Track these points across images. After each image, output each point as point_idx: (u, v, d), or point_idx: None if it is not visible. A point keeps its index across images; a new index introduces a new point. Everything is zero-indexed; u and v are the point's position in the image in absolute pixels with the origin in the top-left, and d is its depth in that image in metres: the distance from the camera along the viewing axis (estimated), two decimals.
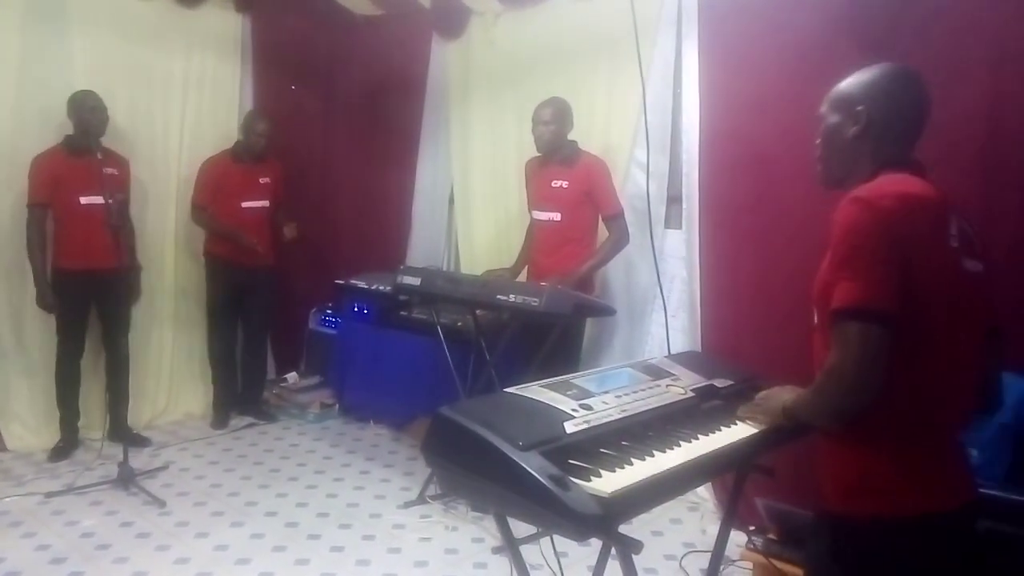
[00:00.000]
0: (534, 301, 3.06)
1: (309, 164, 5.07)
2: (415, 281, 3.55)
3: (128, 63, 4.29)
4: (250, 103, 4.77)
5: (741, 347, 3.19)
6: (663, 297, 3.42)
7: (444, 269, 4.61)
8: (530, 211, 3.85)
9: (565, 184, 3.61)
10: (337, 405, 4.73)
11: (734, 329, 3.35)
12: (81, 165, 3.75)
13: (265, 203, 4.42)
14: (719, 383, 2.08)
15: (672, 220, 3.87)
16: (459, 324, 3.89)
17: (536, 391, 1.87)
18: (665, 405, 1.92)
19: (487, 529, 3.30)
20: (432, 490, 3.55)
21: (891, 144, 1.56)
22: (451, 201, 4.89)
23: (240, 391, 4.65)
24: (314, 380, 4.87)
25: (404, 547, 3.16)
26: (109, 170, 3.74)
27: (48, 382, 4.00)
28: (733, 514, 2.27)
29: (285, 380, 4.87)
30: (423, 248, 4.98)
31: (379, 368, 4.38)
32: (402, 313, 4.31)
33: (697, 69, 3.51)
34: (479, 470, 1.65)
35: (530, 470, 1.53)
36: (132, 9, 4.28)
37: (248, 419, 4.57)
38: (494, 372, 3.42)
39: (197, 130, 4.58)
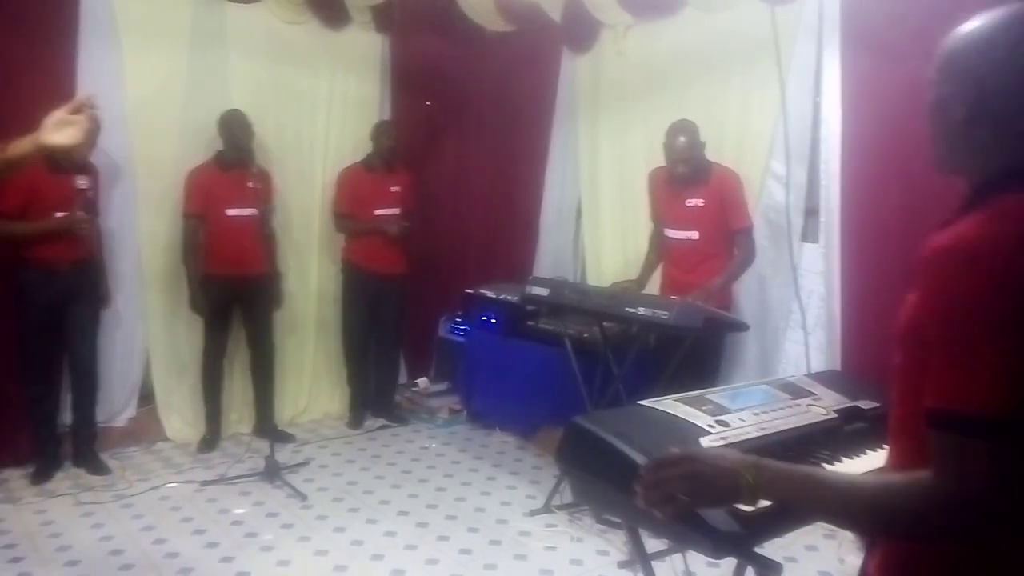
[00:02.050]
0: (664, 314, 3.04)
1: (441, 176, 5.24)
2: (543, 292, 3.60)
3: (278, 83, 4.59)
4: (388, 118, 4.99)
5: (885, 368, 3.03)
6: (803, 313, 3.30)
7: (571, 280, 4.65)
8: (660, 226, 3.81)
9: (701, 203, 3.56)
10: (465, 411, 4.85)
11: (877, 349, 3.18)
12: (229, 179, 4.04)
13: (396, 211, 4.60)
14: (864, 405, 1.99)
15: (809, 233, 3.74)
16: (585, 336, 3.90)
17: (670, 405, 1.86)
18: (806, 425, 1.86)
19: (612, 542, 3.30)
20: (558, 499, 3.58)
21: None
22: (578, 213, 4.93)
23: (373, 394, 4.85)
24: (443, 386, 5.02)
25: (530, 554, 3.20)
26: (254, 183, 4.02)
27: (199, 378, 4.33)
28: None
29: (416, 385, 5.04)
30: (550, 259, 5.03)
31: (505, 376, 4.46)
32: (529, 323, 4.37)
33: (839, 77, 3.38)
34: (612, 481, 1.66)
35: None
36: (283, 33, 4.58)
37: (381, 421, 4.77)
38: (621, 385, 3.42)
39: (339, 145, 4.83)
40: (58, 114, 1.85)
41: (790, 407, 1.93)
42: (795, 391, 2.04)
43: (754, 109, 3.83)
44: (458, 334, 5.05)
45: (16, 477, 3.73)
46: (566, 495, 3.57)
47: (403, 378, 5.14)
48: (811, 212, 3.73)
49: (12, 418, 3.75)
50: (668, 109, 4.10)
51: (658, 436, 1.70)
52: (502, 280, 4.79)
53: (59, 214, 3.56)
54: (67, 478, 3.76)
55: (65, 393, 3.87)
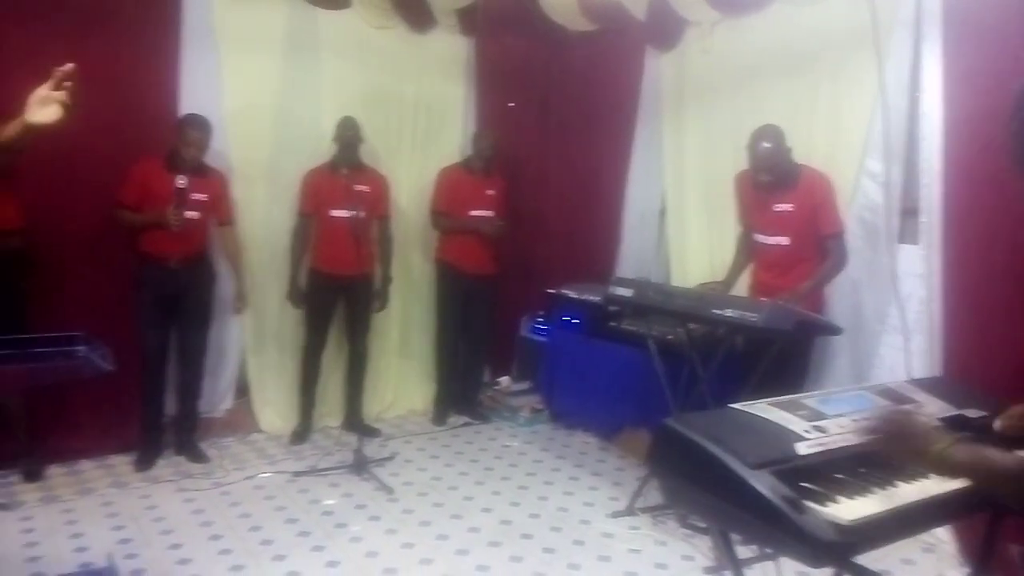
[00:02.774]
0: (753, 317, 2.98)
1: (525, 176, 5.27)
2: (627, 292, 3.58)
3: (367, 87, 4.70)
4: (473, 120, 5.06)
5: (991, 375, 2.89)
6: (903, 317, 3.17)
7: (654, 281, 4.60)
8: (748, 230, 3.74)
9: (790, 208, 3.47)
10: (546, 411, 4.87)
11: (983, 355, 3.04)
12: (337, 181, 4.18)
13: (490, 213, 4.66)
14: (971, 413, 1.91)
15: (907, 235, 3.59)
16: (670, 337, 3.86)
17: (764, 409, 1.83)
18: None
19: (697, 548, 3.26)
20: (642, 502, 3.56)
21: None
22: (662, 213, 4.88)
23: (458, 392, 4.92)
24: (524, 385, 5.05)
25: (614, 556, 3.20)
26: (361, 187, 4.13)
27: (294, 373, 4.49)
28: (987, 561, 2.06)
29: (498, 383, 5.10)
30: (632, 259, 5.00)
31: (587, 377, 4.46)
32: (611, 324, 4.36)
33: (940, 70, 3.24)
34: (704, 484, 1.65)
35: (761, 489, 1.51)
36: (372, 38, 4.69)
37: (464, 418, 4.84)
38: (706, 388, 3.37)
39: (425, 147, 4.93)
40: (41, 91, 1.79)
41: None
42: (896, 397, 1.98)
43: (846, 106, 3.71)
44: (540, 334, 5.07)
45: (123, 463, 3.95)
46: (650, 497, 3.56)
47: (485, 377, 5.20)
48: (908, 212, 3.59)
49: (120, 406, 3.96)
50: (756, 107, 4.02)
51: (752, 440, 1.68)
52: (584, 280, 4.79)
53: (171, 210, 3.73)
54: (169, 465, 3.96)
55: (170, 384, 4.07)
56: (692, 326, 3.52)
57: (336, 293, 4.36)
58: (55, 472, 3.80)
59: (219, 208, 4.01)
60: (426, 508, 3.60)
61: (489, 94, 5.14)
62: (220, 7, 4.16)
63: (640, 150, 4.94)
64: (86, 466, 3.90)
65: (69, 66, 1.75)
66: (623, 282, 3.70)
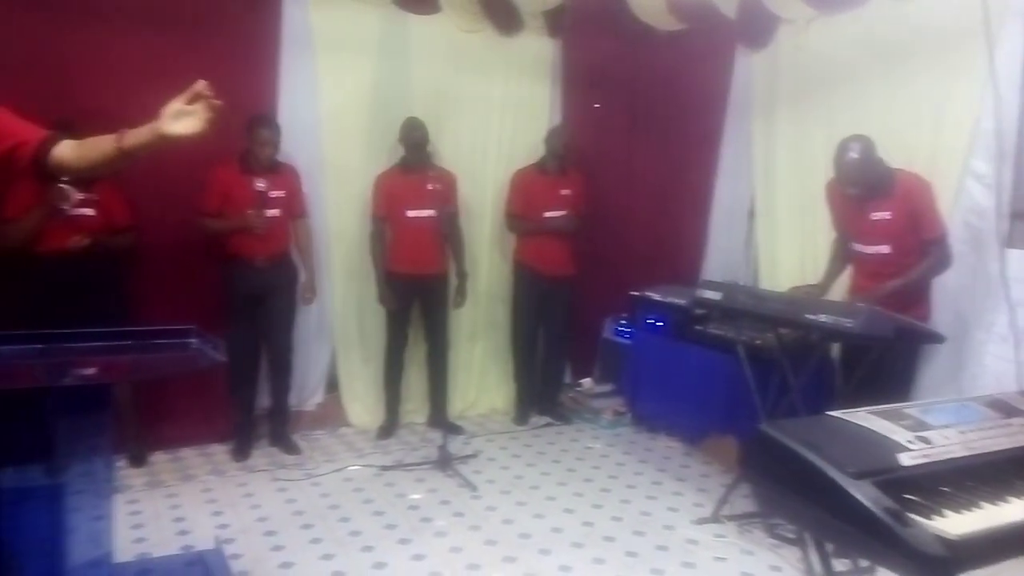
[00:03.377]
0: (848, 322, 2.88)
1: (609, 177, 5.25)
2: (716, 295, 3.52)
3: (455, 90, 4.78)
4: (558, 121, 5.06)
5: None
6: (1014, 325, 3.01)
7: (742, 284, 4.51)
8: (843, 237, 3.61)
9: (888, 215, 3.32)
10: (629, 414, 4.84)
11: None
12: (409, 182, 4.26)
13: (564, 213, 4.66)
14: None
15: (1016, 239, 3.41)
16: (759, 342, 3.77)
17: (864, 417, 1.78)
18: (1021, 447, 1.71)
19: (785, 559, 3.17)
20: (728, 509, 3.49)
21: None
22: (751, 214, 4.77)
23: (539, 392, 4.95)
24: (607, 387, 5.02)
25: (698, 563, 3.15)
26: (433, 186, 4.20)
27: (380, 370, 4.60)
28: None
29: (580, 385, 5.09)
30: (719, 262, 4.91)
31: (672, 381, 4.41)
32: (698, 327, 4.29)
33: None
34: (800, 492, 1.61)
35: (862, 499, 1.47)
36: (461, 41, 4.76)
37: (546, 419, 4.86)
38: (797, 395, 3.28)
39: (511, 148, 4.96)
40: (175, 104, 1.83)
41: (1001, 426, 1.79)
42: (1006, 409, 1.88)
43: (950, 103, 3.54)
44: (623, 336, 5.04)
45: (221, 452, 4.14)
46: (737, 505, 3.49)
47: (567, 378, 5.20)
48: (1018, 215, 3.40)
49: (217, 400, 4.15)
50: (852, 106, 3.89)
51: (851, 449, 1.63)
52: (668, 283, 4.74)
53: (249, 212, 3.87)
54: (264, 455, 4.12)
55: (263, 379, 4.24)
56: (783, 331, 3.43)
57: (413, 292, 4.44)
58: (159, 458, 4.01)
59: (293, 202, 4.14)
60: (509, 506, 3.63)
61: (574, 95, 5.14)
62: (317, 14, 4.31)
63: (729, 150, 4.85)
64: (187, 454, 4.11)
65: (201, 83, 1.83)
66: (711, 285, 3.64)
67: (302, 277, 4.23)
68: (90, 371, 1.58)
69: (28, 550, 1.40)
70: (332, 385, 4.69)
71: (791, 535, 3.25)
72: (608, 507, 3.66)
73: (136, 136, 1.88)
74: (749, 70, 4.68)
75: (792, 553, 3.18)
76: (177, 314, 2.94)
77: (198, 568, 2.70)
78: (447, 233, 4.21)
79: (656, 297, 4.62)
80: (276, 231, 4.00)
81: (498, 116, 4.95)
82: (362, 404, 4.66)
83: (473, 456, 4.22)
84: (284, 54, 4.26)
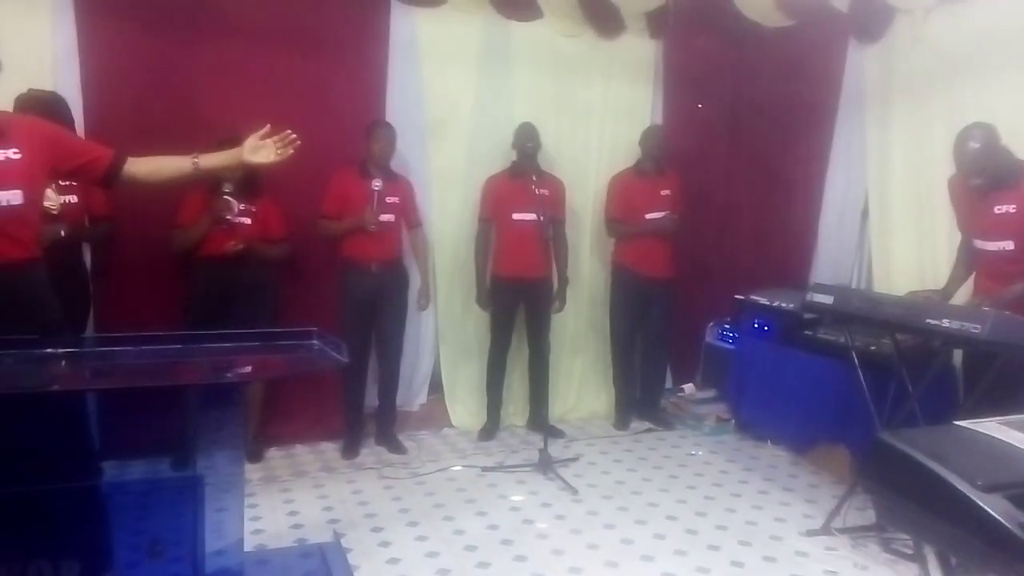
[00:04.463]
0: (975, 328, 2.71)
1: (713, 179, 5.16)
2: (827, 299, 3.39)
3: (556, 95, 4.80)
4: (659, 122, 5.01)
5: None
6: None
7: (854, 288, 4.33)
8: (968, 236, 3.42)
9: (1012, 209, 3.13)
10: (733, 421, 4.72)
11: None
12: (518, 186, 4.31)
13: (665, 214, 4.60)
14: None
15: None
16: (873, 348, 3.62)
17: (995, 428, 1.69)
18: None
19: (901, 574, 3.02)
20: (840, 522, 3.36)
21: None
22: (864, 215, 4.57)
23: (639, 397, 4.90)
24: (710, 393, 4.92)
25: None
26: (542, 191, 4.24)
27: (482, 372, 4.67)
28: None
29: (682, 391, 5.00)
30: (830, 265, 4.73)
31: (779, 388, 4.27)
32: (807, 332, 4.14)
33: None
34: (924, 504, 1.55)
35: (994, 513, 1.40)
36: (562, 47, 4.79)
37: (647, 424, 4.81)
38: (917, 404, 3.13)
39: (612, 151, 4.94)
40: (252, 140, 2.37)
41: None
42: None
43: None
44: (727, 341, 4.92)
45: (331, 450, 4.30)
46: (849, 518, 3.35)
47: (668, 383, 5.13)
48: None
49: (328, 399, 4.32)
50: (975, 100, 3.68)
51: (981, 461, 1.55)
52: (774, 286, 4.61)
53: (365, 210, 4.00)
54: (371, 454, 4.26)
55: (371, 379, 4.38)
56: (901, 337, 3.28)
57: (518, 296, 4.48)
58: (274, 455, 4.21)
59: (408, 211, 4.26)
60: (610, 511, 3.61)
61: (677, 96, 5.07)
62: (423, 23, 4.42)
63: (840, 148, 4.67)
64: (300, 451, 4.29)
65: (267, 128, 2.38)
66: (822, 288, 3.50)
67: (414, 283, 4.35)
68: (246, 370, 1.72)
69: (169, 536, 1.50)
70: (435, 387, 4.80)
71: (908, 550, 3.09)
72: (712, 515, 3.59)
73: (212, 159, 2.40)
74: (862, 64, 4.50)
75: (909, 569, 3.03)
76: (311, 317, 3.09)
77: (314, 560, 2.81)
78: (551, 239, 4.23)
79: (762, 301, 4.50)
80: (389, 236, 4.14)
81: (598, 120, 4.94)
82: (464, 406, 4.74)
83: (574, 460, 4.22)
84: (392, 64, 4.40)
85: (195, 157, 2.42)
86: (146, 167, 2.41)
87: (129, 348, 1.84)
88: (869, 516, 3.33)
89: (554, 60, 4.77)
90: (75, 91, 3.75)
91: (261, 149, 2.38)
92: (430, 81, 4.50)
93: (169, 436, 1.74)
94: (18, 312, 2.09)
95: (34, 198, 2.21)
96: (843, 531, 3.33)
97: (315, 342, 1.77)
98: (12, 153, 2.14)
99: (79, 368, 1.73)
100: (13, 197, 2.14)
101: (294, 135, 2.44)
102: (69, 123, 3.39)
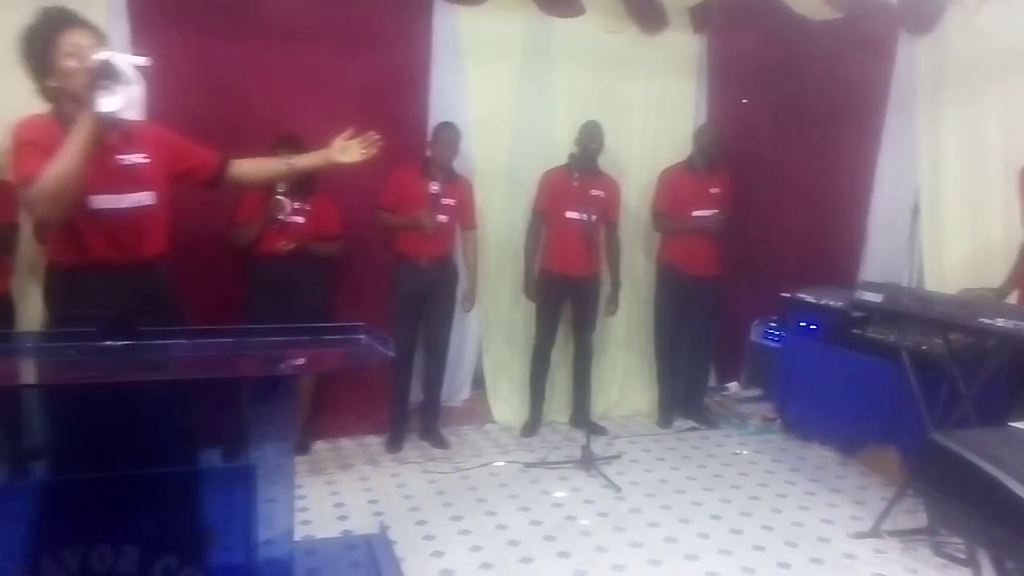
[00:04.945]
0: None
1: (758, 175, 5.08)
2: (876, 298, 3.33)
3: (599, 91, 4.77)
4: (704, 119, 4.96)
5: None
6: None
7: (905, 285, 4.24)
8: None
9: None
10: (778, 420, 4.66)
11: None
12: (574, 183, 4.32)
13: (713, 212, 4.56)
14: None
15: None
16: (924, 348, 3.54)
17: None
18: None
19: None
20: (889, 524, 3.30)
21: None
22: (915, 211, 4.48)
23: (683, 395, 4.87)
24: (755, 392, 4.87)
25: None
26: (596, 192, 4.22)
27: (525, 368, 4.68)
28: None
29: (726, 389, 4.96)
30: (879, 262, 4.66)
31: (827, 387, 4.21)
32: (855, 331, 4.07)
33: None
34: (979, 508, 1.52)
35: None
36: (604, 43, 4.76)
37: (690, 422, 4.78)
38: (970, 405, 3.05)
39: (655, 148, 4.91)
40: (339, 141, 2.54)
41: None
42: None
43: None
44: (773, 339, 4.86)
45: (375, 443, 4.35)
46: (899, 520, 3.29)
47: (712, 381, 5.08)
48: None
49: (374, 393, 4.37)
50: None
51: None
52: (821, 284, 4.54)
53: (420, 213, 4.05)
54: (415, 448, 4.30)
55: (416, 374, 4.42)
56: (953, 336, 3.20)
57: (564, 292, 4.49)
58: (320, 447, 4.28)
59: (464, 213, 4.29)
60: (654, 509, 3.60)
61: (721, 91, 5.01)
62: (465, 22, 4.44)
63: (890, 144, 4.60)
64: (346, 444, 4.35)
65: (350, 131, 2.55)
66: (871, 286, 3.44)
67: (462, 281, 4.39)
68: (297, 363, 1.78)
69: (221, 524, 1.55)
70: (478, 382, 4.83)
71: (960, 554, 3.02)
72: (758, 515, 3.55)
73: (306, 160, 2.60)
74: (913, 57, 4.41)
75: (961, 574, 2.96)
76: (362, 312, 3.14)
77: (361, 551, 2.86)
78: (604, 240, 4.22)
79: (809, 299, 4.43)
80: (442, 235, 4.17)
81: (641, 116, 4.91)
82: (506, 402, 4.76)
83: (616, 457, 4.21)
84: (435, 62, 4.43)
85: (289, 159, 2.62)
86: (246, 169, 2.58)
87: (183, 341, 1.90)
88: (920, 519, 3.27)
89: (596, 56, 4.75)
90: None
91: (347, 149, 2.53)
92: (473, 78, 4.52)
93: (221, 428, 1.78)
94: (146, 306, 2.20)
95: (162, 199, 2.34)
96: (893, 534, 3.27)
97: (363, 337, 1.80)
98: (141, 158, 2.28)
99: (136, 360, 1.79)
100: (145, 198, 2.27)
101: (378, 136, 2.58)
102: None
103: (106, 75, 1.98)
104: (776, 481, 3.96)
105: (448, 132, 4.13)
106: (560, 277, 4.42)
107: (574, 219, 4.28)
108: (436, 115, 4.39)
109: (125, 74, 1.99)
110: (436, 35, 4.42)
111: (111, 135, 2.18)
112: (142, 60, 2.05)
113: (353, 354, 1.80)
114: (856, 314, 3.86)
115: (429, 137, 4.19)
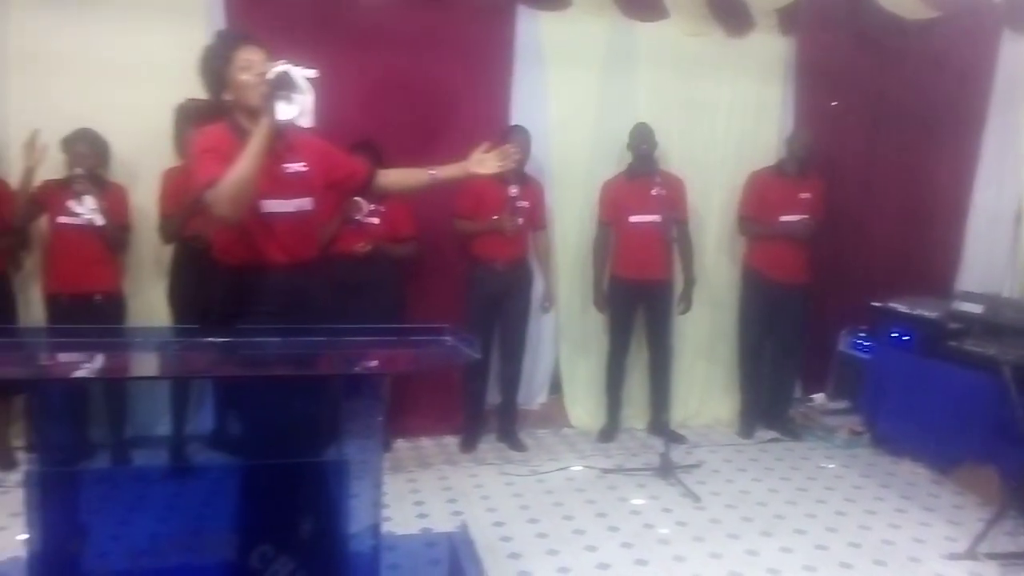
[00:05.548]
0: None
1: (848, 179, 4.91)
2: (976, 308, 3.21)
3: (683, 95, 4.72)
4: (791, 122, 4.84)
5: None
6: None
7: (1009, 296, 4.04)
8: None
9: None
10: (867, 434, 4.49)
11: None
12: (635, 188, 4.28)
13: (802, 218, 4.43)
14: None
15: None
16: None
17: None
18: None
19: None
20: (987, 547, 3.13)
21: None
22: (1018, 219, 4.26)
23: (766, 405, 4.75)
24: (842, 404, 4.70)
25: None
26: (659, 191, 4.19)
27: (602, 373, 4.66)
28: None
29: (812, 400, 4.80)
30: (978, 272, 4.45)
31: (920, 401, 4.04)
32: (952, 343, 3.88)
33: None
34: None
35: None
36: (688, 46, 4.70)
37: (773, 433, 4.65)
38: None
39: (738, 151, 4.81)
40: (477, 154, 2.64)
41: None
42: None
43: None
44: (862, 350, 4.69)
45: (454, 444, 4.40)
46: (998, 543, 3.13)
47: (797, 392, 4.93)
48: None
49: (453, 394, 4.43)
50: None
51: None
52: (915, 293, 4.36)
53: (495, 217, 4.10)
54: (492, 450, 4.33)
55: (492, 377, 4.46)
56: None
57: (637, 298, 4.44)
58: (401, 445, 4.35)
59: (536, 214, 4.30)
60: (734, 521, 3.52)
61: (810, 94, 4.87)
62: (548, 27, 4.47)
63: (991, 147, 4.40)
64: (425, 443, 4.42)
65: (485, 145, 2.67)
66: (970, 297, 3.32)
67: (538, 283, 4.41)
68: (373, 364, 1.83)
69: (316, 517, 1.61)
70: (555, 386, 4.83)
71: None
72: (844, 532, 3.43)
73: (447, 171, 2.69)
74: (1017, 56, 4.19)
75: None
76: (433, 314, 3.20)
77: (441, 548, 2.90)
78: (674, 239, 4.17)
79: (902, 309, 4.27)
80: (519, 238, 4.20)
81: (725, 119, 4.83)
82: (583, 407, 4.75)
83: (696, 466, 4.14)
84: (517, 67, 4.46)
85: (431, 170, 2.71)
86: (392, 179, 2.72)
87: (275, 339, 1.97)
88: (1021, 543, 3.10)
89: (680, 60, 4.69)
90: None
91: (484, 162, 2.63)
92: (555, 83, 4.54)
93: (314, 424, 1.85)
94: (303, 306, 2.33)
95: (320, 206, 2.48)
96: (991, 556, 3.11)
97: (448, 338, 1.84)
98: (301, 167, 2.41)
99: (237, 356, 1.87)
100: (305, 204, 2.40)
101: (515, 149, 2.71)
102: None
103: (284, 86, 2.12)
104: (864, 497, 3.82)
105: (521, 135, 4.13)
106: (632, 283, 4.38)
107: (639, 223, 4.25)
108: (516, 120, 4.43)
109: (299, 84, 2.12)
110: (519, 40, 4.45)
111: (279, 144, 2.31)
112: (312, 72, 2.18)
113: (440, 355, 1.83)
114: (953, 325, 3.71)
115: (502, 141, 4.16)
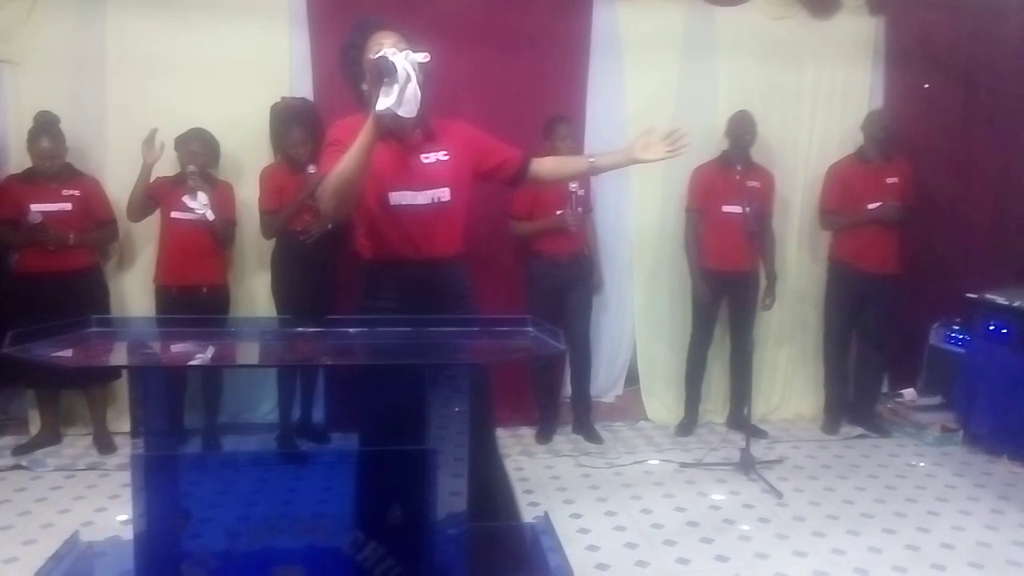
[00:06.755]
0: None
1: (942, 165, 4.70)
2: None
3: (764, 81, 4.60)
4: (880, 106, 4.65)
5: None
6: None
7: None
8: None
9: None
10: (961, 431, 4.30)
11: None
12: (728, 177, 4.19)
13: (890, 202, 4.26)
14: None
15: None
16: None
17: None
18: None
19: None
20: None
21: None
22: None
23: (852, 400, 4.60)
24: (934, 400, 4.51)
25: None
26: (752, 183, 4.09)
27: (680, 366, 4.59)
28: None
29: (900, 395, 4.62)
30: None
31: (1020, 398, 3.84)
32: None
33: None
34: None
35: None
36: (771, 30, 4.58)
37: (859, 429, 4.50)
38: None
39: (824, 138, 4.67)
40: (642, 138, 2.45)
41: None
42: None
43: None
44: (956, 344, 4.49)
45: (529, 435, 4.42)
46: None
47: (885, 387, 4.76)
48: None
49: (527, 386, 4.45)
50: None
51: None
52: (1014, 284, 4.14)
53: (558, 212, 4.06)
54: (568, 442, 4.33)
55: (566, 369, 4.46)
56: None
57: (722, 289, 4.36)
58: None
59: (587, 199, 4.25)
60: (819, 518, 3.43)
61: (900, 77, 4.68)
62: (624, 14, 4.42)
63: None
64: (502, 434, 4.42)
65: (650, 128, 2.49)
66: None
67: (595, 273, 4.40)
68: (475, 352, 1.86)
69: (400, 503, 1.64)
70: (631, 379, 4.79)
71: None
72: (937, 532, 3.30)
73: (608, 159, 2.55)
74: None
75: None
76: (493, 307, 3.20)
77: (522, 536, 2.91)
78: (757, 232, 4.07)
79: (1001, 301, 4.07)
80: (580, 231, 4.17)
81: (810, 105, 4.68)
82: (660, 400, 4.70)
83: (777, 462, 4.04)
84: (593, 57, 4.43)
85: (591, 158, 2.59)
86: (548, 167, 2.55)
87: (364, 329, 2.01)
88: None
89: (762, 44, 4.57)
90: (307, 96, 4.13)
91: (651, 147, 2.43)
92: (632, 72, 4.49)
93: (399, 412, 1.89)
94: (433, 302, 2.26)
95: (461, 197, 2.35)
96: None
97: (531, 329, 1.84)
98: (442, 155, 2.31)
99: (330, 346, 1.92)
100: (443, 195, 2.28)
101: (686, 133, 2.47)
102: (319, 127, 3.73)
103: (383, 73, 1.93)
104: (958, 497, 3.66)
105: (564, 127, 4.07)
106: (718, 274, 4.30)
107: (731, 213, 4.15)
108: (593, 110, 4.40)
109: (399, 71, 1.91)
110: (595, 30, 4.42)
111: (414, 135, 2.25)
112: (421, 56, 1.99)
113: (526, 346, 1.83)
114: None
115: (547, 134, 4.08)
